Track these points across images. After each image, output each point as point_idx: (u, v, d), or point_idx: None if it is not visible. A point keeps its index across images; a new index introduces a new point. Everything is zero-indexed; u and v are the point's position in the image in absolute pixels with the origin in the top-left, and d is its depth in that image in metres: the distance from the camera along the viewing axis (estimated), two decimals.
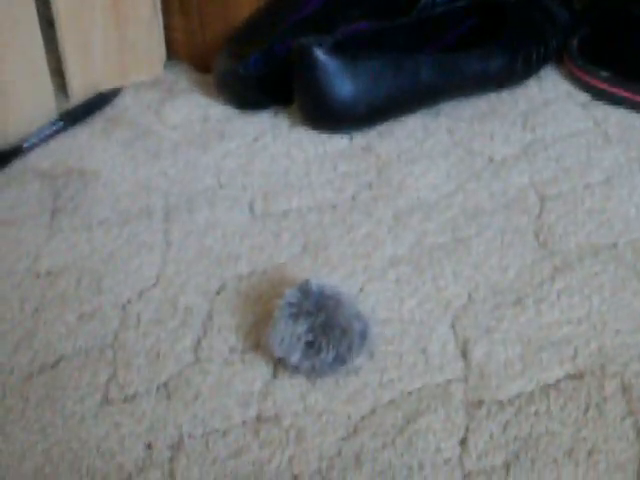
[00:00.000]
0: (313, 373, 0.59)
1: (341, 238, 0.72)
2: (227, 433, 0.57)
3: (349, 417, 0.58)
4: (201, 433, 0.57)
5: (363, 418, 0.58)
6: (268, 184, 0.79)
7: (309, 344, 0.58)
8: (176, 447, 0.56)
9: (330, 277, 0.68)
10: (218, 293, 0.68)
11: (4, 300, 0.68)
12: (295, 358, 0.59)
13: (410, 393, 0.59)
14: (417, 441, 0.56)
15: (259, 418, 0.58)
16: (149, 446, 0.56)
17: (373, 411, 0.58)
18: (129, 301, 0.67)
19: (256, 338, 0.63)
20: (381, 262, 0.69)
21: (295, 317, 0.58)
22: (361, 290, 0.67)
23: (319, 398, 0.59)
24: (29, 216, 0.76)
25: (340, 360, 0.59)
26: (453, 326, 0.64)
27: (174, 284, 0.69)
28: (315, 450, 0.56)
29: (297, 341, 0.58)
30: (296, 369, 0.59)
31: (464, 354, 0.62)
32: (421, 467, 0.54)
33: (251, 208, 0.76)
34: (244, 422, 0.58)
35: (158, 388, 0.60)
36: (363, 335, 0.60)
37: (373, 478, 0.54)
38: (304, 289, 0.60)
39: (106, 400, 0.59)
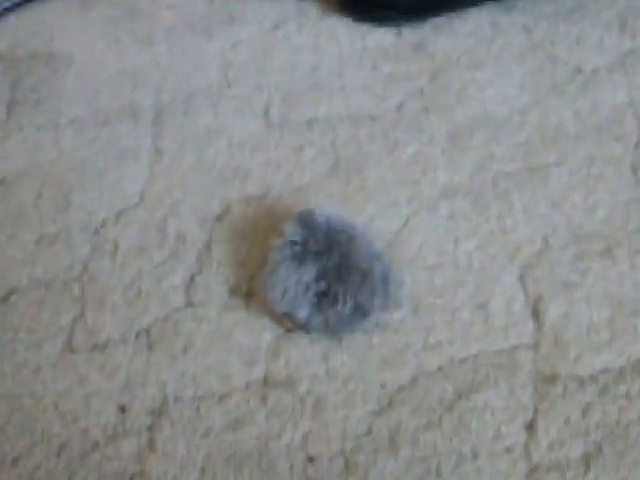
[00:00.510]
0: (327, 330, 0.58)
1: (381, 158, 0.70)
2: (225, 398, 0.56)
3: (383, 386, 0.57)
4: (191, 396, 0.56)
5: (401, 388, 0.56)
6: (289, 84, 0.76)
7: (320, 294, 0.57)
8: (157, 412, 0.55)
9: (365, 207, 0.66)
10: (219, 219, 0.66)
11: None
12: (303, 313, 0.57)
13: (464, 360, 0.58)
14: (471, 422, 0.55)
15: (267, 381, 0.57)
16: (123, 409, 0.56)
17: (415, 380, 0.57)
18: (104, 223, 0.66)
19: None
20: (431, 192, 0.67)
21: (299, 260, 0.57)
22: (404, 226, 0.65)
23: (345, 360, 0.58)
24: None
25: (361, 312, 0.57)
26: (522, 278, 0.62)
27: (163, 204, 0.67)
28: (338, 426, 0.55)
29: (304, 291, 0.57)
30: (305, 326, 0.58)
31: (535, 314, 0.60)
32: (475, 455, 0.53)
33: (266, 114, 0.74)
34: (247, 385, 0.57)
35: (138, 335, 0.59)
36: (385, 279, 0.58)
37: (411, 465, 0.53)
38: (308, 222, 0.58)
39: (69, 347, 0.59)
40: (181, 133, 0.72)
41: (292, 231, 0.58)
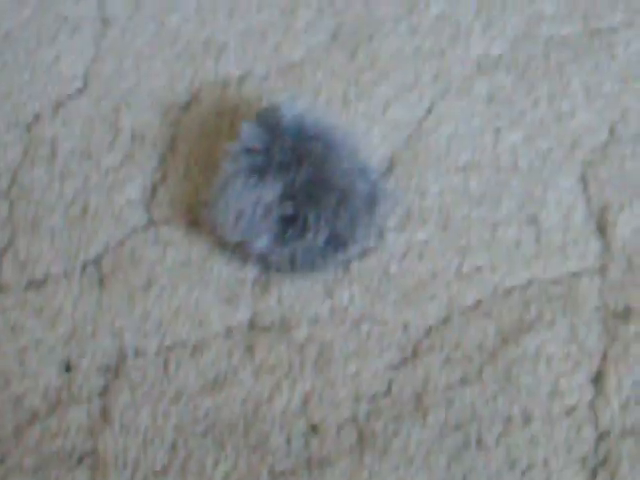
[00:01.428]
0: (292, 267, 0.55)
1: (397, 22, 0.66)
2: (200, 349, 0.53)
3: (405, 329, 0.53)
4: (156, 347, 0.53)
5: (429, 331, 0.53)
6: None
7: (285, 220, 0.54)
8: (113, 370, 0.53)
9: (376, 89, 0.63)
10: (187, 108, 0.63)
11: None
12: (261, 244, 0.54)
13: (509, 292, 0.54)
14: (520, 375, 0.52)
15: (254, 325, 0.54)
16: (68, 367, 0.53)
17: (446, 320, 0.53)
18: (38, 117, 0.63)
19: None
20: (463, 66, 0.64)
21: (259, 173, 0.54)
22: (429, 113, 0.62)
23: (356, 295, 0.54)
24: None
25: (338, 244, 0.54)
26: (583, 180, 0.59)
27: (114, 91, 0.64)
28: (348, 383, 0.52)
29: (264, 215, 0.54)
30: (263, 259, 0.55)
31: (601, 229, 0.57)
32: (526, 419, 0.50)
33: None
34: (229, 331, 0.54)
35: (84, 268, 0.56)
36: (373, 200, 0.55)
37: (443, 434, 0.50)
38: (271, 122, 0.55)
39: None
40: None
41: (250, 134, 0.54)
